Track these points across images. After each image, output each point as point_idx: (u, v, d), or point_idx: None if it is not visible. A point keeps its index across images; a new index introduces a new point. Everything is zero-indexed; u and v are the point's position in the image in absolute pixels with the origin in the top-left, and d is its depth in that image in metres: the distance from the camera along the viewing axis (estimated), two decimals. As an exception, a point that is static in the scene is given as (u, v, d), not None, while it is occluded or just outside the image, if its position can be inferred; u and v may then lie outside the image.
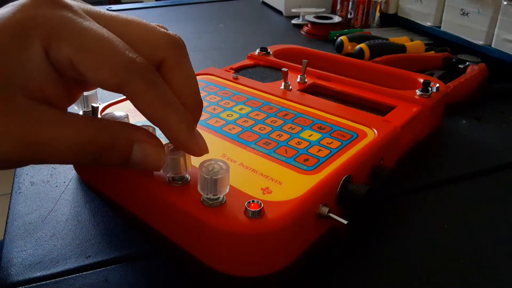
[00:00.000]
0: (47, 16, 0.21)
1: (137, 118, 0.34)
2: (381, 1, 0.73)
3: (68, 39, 0.21)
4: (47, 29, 0.21)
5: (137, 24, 0.24)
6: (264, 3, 0.96)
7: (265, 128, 0.33)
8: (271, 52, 0.50)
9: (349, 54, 0.61)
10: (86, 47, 0.21)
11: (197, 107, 0.25)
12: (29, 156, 0.21)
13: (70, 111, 0.23)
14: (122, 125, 0.24)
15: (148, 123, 0.34)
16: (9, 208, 0.31)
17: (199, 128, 0.33)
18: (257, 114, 0.36)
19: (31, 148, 0.21)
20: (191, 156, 0.25)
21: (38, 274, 0.26)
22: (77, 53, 0.21)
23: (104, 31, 0.22)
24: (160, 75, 0.23)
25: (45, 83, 0.22)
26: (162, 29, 0.24)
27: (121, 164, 0.24)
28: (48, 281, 0.25)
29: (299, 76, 0.43)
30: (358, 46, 0.58)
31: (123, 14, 0.24)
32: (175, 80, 0.24)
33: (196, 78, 0.25)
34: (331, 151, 0.30)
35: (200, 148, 0.24)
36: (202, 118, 0.35)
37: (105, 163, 0.23)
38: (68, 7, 0.22)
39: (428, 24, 0.65)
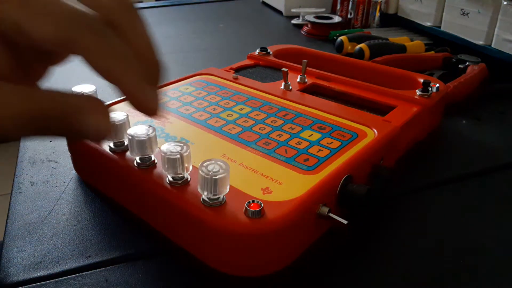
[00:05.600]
0: None
1: (137, 118, 0.34)
2: (381, 1, 0.73)
3: None
4: None
5: None
6: (264, 3, 0.96)
7: (265, 128, 0.33)
8: (271, 52, 0.50)
9: (349, 54, 0.61)
10: (29, 2, 0.20)
11: (153, 65, 0.24)
12: None
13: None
14: (68, 95, 0.23)
15: (148, 123, 0.34)
16: (9, 208, 0.31)
17: (200, 128, 0.33)
18: (257, 114, 0.36)
19: None
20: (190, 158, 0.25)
21: (38, 274, 0.26)
22: (20, 10, 0.20)
23: None
24: None
25: None
26: None
27: (70, 134, 0.23)
28: (48, 281, 0.25)
29: (299, 76, 0.43)
30: (358, 46, 0.58)
31: None
32: (127, 40, 0.23)
33: (151, 38, 0.24)
34: (331, 151, 0.30)
35: (151, 103, 0.23)
36: (202, 118, 0.35)
37: (53, 134, 0.22)
38: None
39: (428, 24, 0.65)
